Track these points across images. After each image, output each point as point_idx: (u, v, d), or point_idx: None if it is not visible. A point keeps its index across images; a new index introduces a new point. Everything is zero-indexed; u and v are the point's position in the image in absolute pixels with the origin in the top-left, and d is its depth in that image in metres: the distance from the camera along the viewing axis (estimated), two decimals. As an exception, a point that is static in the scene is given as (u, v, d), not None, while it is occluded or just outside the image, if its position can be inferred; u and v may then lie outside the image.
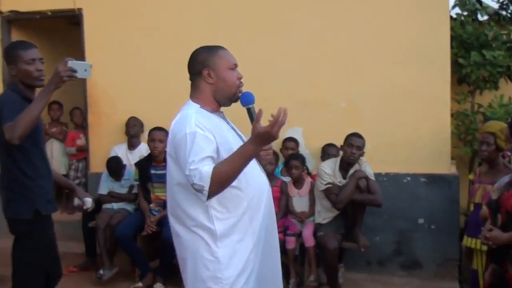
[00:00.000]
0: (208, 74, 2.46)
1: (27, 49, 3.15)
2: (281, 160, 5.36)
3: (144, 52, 5.79)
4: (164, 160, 4.83)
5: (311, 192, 4.93)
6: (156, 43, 5.76)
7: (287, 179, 5.12)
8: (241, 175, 2.31)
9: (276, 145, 5.37)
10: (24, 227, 3.08)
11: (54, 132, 6.64)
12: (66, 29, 7.01)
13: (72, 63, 2.92)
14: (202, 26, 5.64)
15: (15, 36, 6.49)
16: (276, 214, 4.75)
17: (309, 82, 5.44)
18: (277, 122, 2.21)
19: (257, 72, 5.52)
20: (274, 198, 4.82)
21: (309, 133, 5.45)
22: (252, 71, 5.48)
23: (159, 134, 4.95)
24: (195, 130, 2.31)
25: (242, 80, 2.52)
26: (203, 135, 2.31)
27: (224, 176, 2.24)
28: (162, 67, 5.72)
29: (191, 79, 2.52)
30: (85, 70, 2.89)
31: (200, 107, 2.45)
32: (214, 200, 2.34)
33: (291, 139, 5.37)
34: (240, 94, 2.48)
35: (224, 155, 2.33)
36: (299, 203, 4.99)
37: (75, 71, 2.91)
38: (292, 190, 5.02)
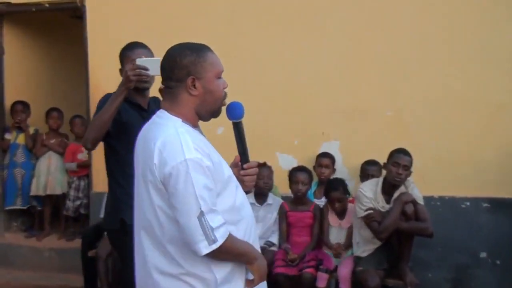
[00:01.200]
0: (192, 84, 2.36)
1: (133, 49, 3.55)
2: (315, 179, 5.45)
3: (155, 49, 5.96)
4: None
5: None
6: (169, 39, 5.92)
7: (321, 202, 5.22)
8: (234, 208, 2.34)
9: (308, 161, 5.48)
10: (114, 239, 3.51)
11: (53, 144, 6.74)
12: (67, 24, 7.23)
13: (140, 60, 3.26)
14: (221, 21, 5.82)
15: (8, 32, 6.77)
16: (308, 244, 4.96)
17: (348, 88, 5.54)
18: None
19: (287, 76, 5.66)
20: (306, 225, 5.04)
21: (347, 148, 5.55)
22: (281, 75, 5.69)
23: None
24: (196, 156, 2.22)
25: (226, 90, 2.48)
26: (207, 166, 2.24)
27: (232, 252, 2.30)
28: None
29: (168, 85, 2.41)
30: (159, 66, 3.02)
31: (182, 121, 2.36)
32: None
33: (325, 155, 5.46)
34: (226, 105, 2.48)
35: (218, 184, 2.30)
36: (337, 234, 5.07)
37: (145, 69, 3.24)
38: (333, 219, 5.09)
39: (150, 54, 3.56)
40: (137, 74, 3.25)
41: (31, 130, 6.77)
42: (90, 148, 3.36)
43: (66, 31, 7.39)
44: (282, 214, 5.11)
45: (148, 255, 2.35)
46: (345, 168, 5.51)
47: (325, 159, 5.44)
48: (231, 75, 5.63)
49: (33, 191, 6.63)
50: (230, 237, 2.26)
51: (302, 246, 5.03)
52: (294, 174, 5.11)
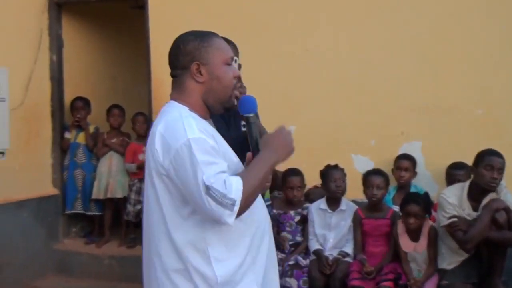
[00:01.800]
0: (197, 70, 2.45)
1: None
2: (393, 183, 5.45)
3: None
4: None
5: (432, 243, 4.83)
6: (238, 29, 6.04)
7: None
8: None
9: (386, 164, 5.47)
10: None
11: (114, 143, 6.86)
12: (128, 14, 7.44)
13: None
14: (292, 12, 5.91)
15: (66, 24, 7.03)
16: (386, 255, 4.94)
17: (431, 83, 5.52)
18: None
19: (362, 71, 5.69)
20: (383, 233, 5.04)
21: (430, 149, 5.52)
22: (355, 70, 5.74)
23: None
24: (199, 136, 2.28)
25: (237, 79, 2.53)
26: (211, 146, 2.30)
27: (252, 190, 2.27)
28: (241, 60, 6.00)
29: (173, 74, 2.52)
30: None
31: (189, 109, 2.44)
32: (211, 235, 2.34)
33: (405, 157, 5.44)
34: (238, 99, 2.50)
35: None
36: (412, 260, 4.93)
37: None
38: (405, 242, 4.92)
39: (235, 50, 3.53)
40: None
41: (91, 129, 6.91)
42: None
43: (127, 22, 7.62)
44: (357, 222, 5.11)
45: (152, 251, 2.46)
46: (427, 172, 5.47)
47: (405, 162, 5.41)
48: (304, 72, 5.78)
49: (94, 194, 6.76)
50: (242, 183, 2.24)
51: (379, 257, 5.02)
52: (368, 177, 5.11)
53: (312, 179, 5.47)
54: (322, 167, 5.28)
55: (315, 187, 5.52)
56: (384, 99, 5.61)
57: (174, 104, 2.47)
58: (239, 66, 3.62)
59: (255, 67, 5.90)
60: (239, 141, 3.82)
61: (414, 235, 4.90)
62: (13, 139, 5.64)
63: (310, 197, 5.47)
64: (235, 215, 2.22)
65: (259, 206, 2.51)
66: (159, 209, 2.39)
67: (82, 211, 6.87)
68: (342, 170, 5.23)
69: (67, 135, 6.89)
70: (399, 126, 5.58)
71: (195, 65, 2.44)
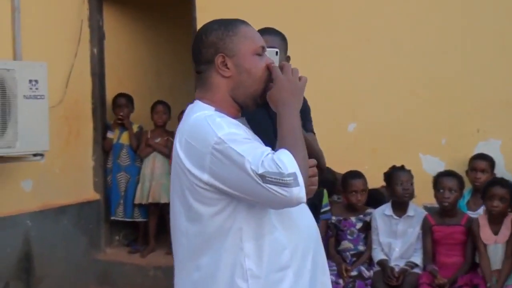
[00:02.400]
0: (223, 63, 2.34)
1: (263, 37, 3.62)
2: (468, 186, 5.38)
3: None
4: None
5: None
6: (289, 21, 6.08)
7: (477, 215, 5.12)
8: (284, 211, 2.26)
9: (459, 165, 5.41)
10: None
11: (158, 143, 6.91)
12: (173, 3, 7.54)
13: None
14: (356, 2, 5.92)
15: (108, 14, 7.19)
16: (460, 266, 4.89)
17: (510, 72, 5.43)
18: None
19: (431, 63, 5.67)
20: (456, 242, 4.98)
21: (511, 149, 5.44)
22: (424, 62, 5.71)
23: None
24: (229, 131, 2.19)
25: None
26: (245, 139, 2.21)
27: (300, 149, 2.22)
28: (296, 52, 6.03)
29: (197, 70, 2.42)
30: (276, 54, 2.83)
31: (216, 109, 2.34)
32: (248, 242, 2.26)
33: (482, 157, 5.38)
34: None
35: None
36: (495, 253, 4.90)
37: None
38: (486, 234, 4.92)
39: (282, 42, 3.48)
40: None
41: (135, 128, 7.01)
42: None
43: (173, 12, 7.71)
44: (427, 229, 5.07)
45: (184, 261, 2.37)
46: (508, 173, 5.37)
47: (481, 162, 5.35)
48: (365, 64, 5.77)
49: (137, 199, 6.85)
50: (288, 151, 2.17)
51: (452, 268, 4.97)
52: (439, 179, 5.06)
53: (375, 183, 5.46)
54: (386, 169, 5.26)
55: (382, 187, 5.50)
56: (456, 93, 5.55)
57: (198, 104, 2.37)
58: (288, 58, 3.55)
59: (310, 60, 5.92)
60: None
61: (496, 228, 4.89)
62: (52, 140, 5.73)
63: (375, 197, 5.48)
64: (304, 187, 2.13)
65: (303, 214, 2.42)
66: (193, 223, 2.30)
67: (125, 218, 6.98)
68: (409, 171, 5.20)
69: (110, 135, 6.99)
70: (474, 123, 5.51)
71: (220, 58, 2.33)
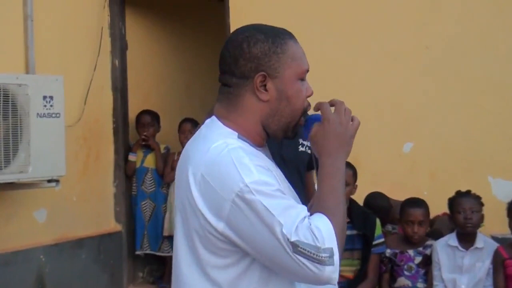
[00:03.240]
0: (262, 83, 2.22)
1: None
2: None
3: (310, 37, 6.15)
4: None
5: None
6: (333, 28, 6.11)
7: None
8: None
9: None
10: None
11: None
12: (205, 8, 7.60)
13: None
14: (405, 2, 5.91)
15: (131, 21, 7.27)
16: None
17: None
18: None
19: (498, 70, 5.65)
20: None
21: None
22: (488, 68, 5.66)
23: None
24: (259, 178, 2.08)
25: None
26: (277, 190, 2.10)
27: (342, 222, 2.13)
28: (332, 56, 6.09)
29: (224, 81, 2.31)
30: None
31: (239, 136, 2.23)
32: None
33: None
34: (304, 120, 2.31)
35: None
36: None
37: None
38: None
39: None
40: None
41: (162, 149, 7.06)
42: None
43: (204, 18, 7.77)
44: (498, 263, 4.98)
45: None
46: None
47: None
48: (423, 75, 5.74)
49: (166, 230, 6.87)
50: (328, 220, 2.09)
51: (528, 309, 4.91)
52: (515, 207, 5.01)
53: (436, 210, 5.41)
54: (449, 195, 5.20)
55: (444, 214, 5.44)
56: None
57: (218, 125, 2.26)
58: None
59: (359, 69, 5.92)
60: (295, 163, 3.80)
61: None
62: (69, 164, 5.75)
63: (435, 227, 5.39)
64: (338, 268, 2.06)
65: None
66: (202, 274, 2.20)
67: (151, 251, 6.99)
68: (475, 198, 5.12)
69: (132, 157, 7.05)
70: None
71: (260, 77, 2.21)
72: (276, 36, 2.24)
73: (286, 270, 2.08)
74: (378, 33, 6.00)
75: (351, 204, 5.05)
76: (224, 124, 2.25)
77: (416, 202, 5.24)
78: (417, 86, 5.86)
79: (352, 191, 5.03)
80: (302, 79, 2.28)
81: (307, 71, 2.30)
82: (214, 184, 2.09)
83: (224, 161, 2.10)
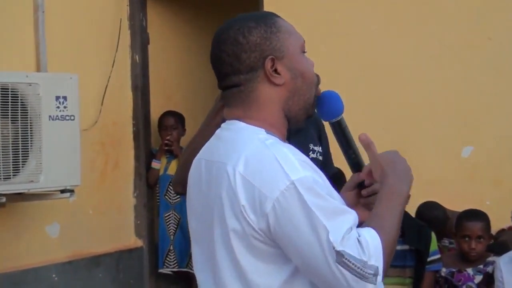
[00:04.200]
0: (272, 67, 2.32)
1: None
2: None
3: (361, 32, 6.30)
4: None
5: None
6: (380, 21, 6.18)
7: None
8: None
9: None
10: None
11: None
12: (232, 2, 7.66)
13: None
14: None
15: (153, 12, 7.36)
16: None
17: None
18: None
19: None
20: None
21: None
22: None
23: None
24: (305, 175, 2.16)
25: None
26: (324, 186, 2.21)
27: (393, 244, 2.23)
28: (380, 52, 6.18)
29: (231, 83, 2.36)
30: None
31: (267, 132, 2.31)
32: None
33: None
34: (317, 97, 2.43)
35: None
36: None
37: None
38: None
39: None
40: None
41: (187, 155, 7.13)
42: (182, 193, 3.46)
43: (234, 9, 7.80)
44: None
45: None
46: None
47: None
48: (485, 69, 5.75)
49: None
50: (379, 238, 2.18)
51: None
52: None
53: (501, 222, 5.42)
54: (514, 204, 5.23)
55: (510, 228, 5.46)
56: None
57: (241, 126, 2.33)
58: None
59: (412, 65, 5.95)
60: None
61: None
62: (84, 173, 5.73)
63: (500, 241, 5.42)
64: (377, 282, 2.14)
65: None
66: (240, 280, 2.25)
67: (179, 269, 7.05)
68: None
69: (155, 164, 7.11)
70: None
71: (270, 62, 2.30)
72: (265, 18, 2.36)
73: (320, 278, 2.16)
74: (432, 23, 6.05)
75: (403, 215, 5.06)
76: (246, 123, 2.33)
77: (474, 214, 5.25)
78: (478, 82, 5.90)
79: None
80: (304, 51, 2.40)
81: (304, 42, 2.41)
82: (256, 182, 2.16)
83: (265, 156, 2.19)
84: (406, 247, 5.05)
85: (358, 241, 2.12)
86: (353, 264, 2.09)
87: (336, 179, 3.58)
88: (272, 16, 2.38)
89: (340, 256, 2.09)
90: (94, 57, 6.59)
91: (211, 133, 3.10)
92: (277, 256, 2.21)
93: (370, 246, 2.13)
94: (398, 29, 6.10)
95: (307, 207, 2.11)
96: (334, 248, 2.09)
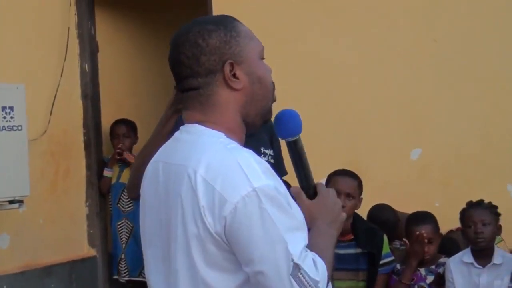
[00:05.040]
0: (231, 71, 2.31)
1: None
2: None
3: (309, 35, 6.24)
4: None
5: None
6: (328, 22, 6.15)
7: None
8: None
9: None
10: None
11: None
12: (182, 4, 7.61)
13: None
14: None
15: (102, 20, 7.29)
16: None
17: None
18: None
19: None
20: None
21: None
22: (507, 62, 5.67)
23: (345, 183, 5.16)
24: (268, 183, 2.17)
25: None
26: (285, 196, 2.21)
27: (329, 273, 2.22)
28: (327, 54, 6.12)
29: (189, 86, 2.35)
30: None
31: (226, 136, 2.31)
32: None
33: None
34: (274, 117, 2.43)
35: None
36: None
37: None
38: None
39: None
40: None
41: (139, 163, 7.09)
42: (134, 198, 3.47)
43: (181, 15, 7.76)
44: (520, 281, 5.01)
45: None
46: None
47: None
48: (431, 71, 5.75)
49: None
50: (325, 265, 2.21)
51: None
52: (534, 218, 5.01)
53: (449, 224, 5.44)
54: (462, 206, 5.21)
55: (458, 229, 5.45)
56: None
57: (201, 129, 2.32)
58: None
59: (360, 68, 5.94)
60: None
61: None
62: (34, 183, 5.72)
63: (450, 242, 5.44)
64: None
65: None
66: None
67: (127, 277, 6.99)
68: (488, 208, 5.12)
69: (108, 173, 7.06)
70: None
71: (229, 66, 2.29)
72: (225, 22, 2.36)
73: (268, 284, 2.14)
74: (380, 26, 6.04)
75: (355, 219, 5.07)
76: (207, 127, 2.32)
77: (422, 218, 5.25)
78: (426, 85, 5.90)
79: (357, 205, 5.03)
80: (262, 57, 2.40)
81: (263, 48, 2.41)
82: (217, 185, 2.15)
83: (228, 161, 2.19)
84: (359, 250, 5.02)
85: (313, 261, 2.16)
86: (306, 281, 2.12)
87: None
88: (232, 20, 2.38)
89: (296, 270, 2.11)
90: (43, 66, 6.53)
91: (163, 140, 3.11)
92: (230, 263, 2.19)
93: (322, 269, 2.16)
94: (345, 33, 6.11)
95: (267, 216, 2.13)
96: (292, 260, 2.11)
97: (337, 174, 5.18)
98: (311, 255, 2.16)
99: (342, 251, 5.04)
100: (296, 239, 2.15)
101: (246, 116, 2.35)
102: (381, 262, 5.06)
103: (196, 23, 2.36)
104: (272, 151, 3.88)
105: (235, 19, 2.39)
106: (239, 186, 2.14)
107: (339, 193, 4.90)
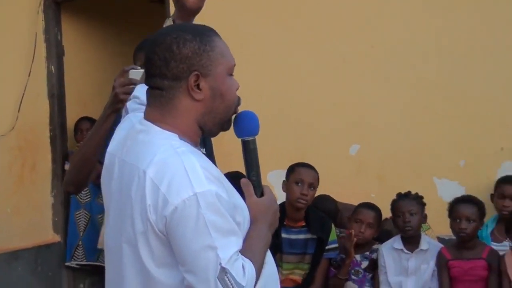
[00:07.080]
0: (195, 83, 2.30)
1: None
2: (490, 213, 5.36)
3: (261, 39, 6.27)
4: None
5: None
6: (286, 29, 6.23)
7: (503, 246, 5.17)
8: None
9: (482, 190, 5.49)
10: None
11: None
12: (145, 11, 7.69)
13: (133, 72, 3.33)
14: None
15: (67, 26, 7.29)
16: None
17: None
18: None
19: (446, 69, 5.75)
20: (478, 279, 5.02)
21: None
22: (435, 67, 5.73)
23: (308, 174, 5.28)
24: (209, 189, 2.18)
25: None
26: (226, 202, 2.22)
27: (258, 275, 2.28)
28: (276, 57, 6.19)
29: (156, 85, 2.34)
30: None
31: (180, 137, 2.32)
32: None
33: (510, 181, 5.37)
34: (234, 116, 2.45)
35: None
36: None
37: (136, 84, 3.09)
38: None
39: None
40: (127, 92, 3.20)
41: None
42: (73, 193, 3.43)
43: (142, 21, 7.78)
44: (442, 264, 5.05)
45: None
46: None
47: (509, 187, 5.31)
48: (369, 74, 5.84)
49: (100, 243, 6.67)
50: (254, 271, 2.25)
51: (473, 309, 5.01)
52: (455, 207, 5.05)
53: (384, 212, 5.44)
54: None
55: (390, 218, 5.54)
56: (477, 106, 5.63)
57: (156, 130, 2.32)
58: None
59: (305, 70, 6.00)
60: None
61: None
62: (2, 175, 5.74)
63: (384, 230, 5.50)
64: None
65: (269, 259, 2.47)
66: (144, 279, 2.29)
67: (87, 262, 6.97)
68: (414, 199, 5.18)
69: (68, 166, 7.02)
70: (497, 140, 5.59)
71: (194, 77, 2.29)
72: (203, 34, 2.33)
73: (195, 283, 2.18)
74: (324, 32, 6.07)
75: (308, 207, 5.17)
76: (161, 127, 2.32)
77: (370, 205, 5.35)
78: (364, 87, 5.95)
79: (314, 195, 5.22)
80: (231, 74, 2.39)
81: (234, 66, 2.40)
82: (162, 187, 2.18)
83: (174, 164, 2.21)
84: (309, 235, 5.14)
85: (243, 266, 2.19)
86: (231, 284, 2.15)
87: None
88: (210, 33, 2.36)
89: (223, 273, 2.14)
90: (11, 68, 6.63)
91: (101, 139, 3.27)
92: (172, 258, 2.23)
93: (249, 275, 2.19)
94: (289, 36, 6.16)
95: (203, 221, 2.14)
96: (220, 264, 2.14)
97: (300, 166, 5.29)
98: (241, 260, 2.19)
99: (293, 236, 5.20)
100: (229, 244, 2.17)
101: (204, 125, 2.36)
102: (327, 247, 5.18)
103: (177, 28, 2.40)
104: (204, 149, 3.84)
105: (215, 33, 2.37)
106: (182, 189, 2.15)
107: (303, 183, 5.11)
